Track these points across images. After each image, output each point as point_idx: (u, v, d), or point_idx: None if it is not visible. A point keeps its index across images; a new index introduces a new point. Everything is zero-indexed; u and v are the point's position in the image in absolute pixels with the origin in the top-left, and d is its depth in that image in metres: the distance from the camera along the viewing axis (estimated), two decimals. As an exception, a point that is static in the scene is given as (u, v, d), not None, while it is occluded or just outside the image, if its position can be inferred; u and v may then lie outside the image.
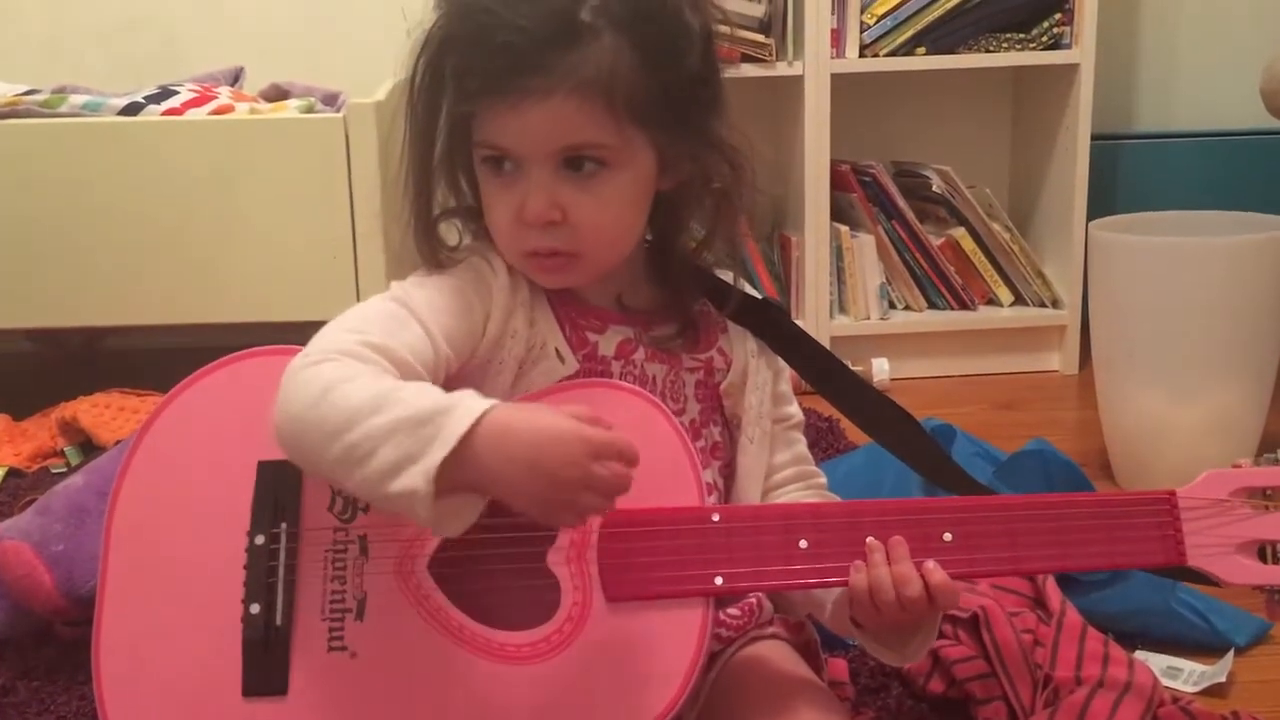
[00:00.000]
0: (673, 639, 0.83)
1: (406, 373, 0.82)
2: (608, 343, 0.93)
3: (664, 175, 0.90)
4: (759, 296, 1.00)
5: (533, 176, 0.86)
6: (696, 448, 0.89)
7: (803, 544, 0.86)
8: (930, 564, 0.84)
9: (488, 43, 0.82)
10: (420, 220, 0.92)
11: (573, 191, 0.86)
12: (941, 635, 1.17)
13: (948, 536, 0.86)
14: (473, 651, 0.83)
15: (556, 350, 0.91)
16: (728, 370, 0.97)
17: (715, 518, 0.86)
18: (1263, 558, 0.88)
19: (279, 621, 0.83)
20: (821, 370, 1.03)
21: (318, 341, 0.83)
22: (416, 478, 0.73)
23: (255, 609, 0.84)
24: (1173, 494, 0.88)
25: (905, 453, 1.05)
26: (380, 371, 0.80)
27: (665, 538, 0.85)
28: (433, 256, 0.92)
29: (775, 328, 1.00)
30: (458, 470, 0.74)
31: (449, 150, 0.90)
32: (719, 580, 0.84)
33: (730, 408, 0.98)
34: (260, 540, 0.85)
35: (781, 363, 1.01)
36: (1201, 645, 1.23)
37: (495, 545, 0.84)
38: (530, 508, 0.77)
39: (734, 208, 0.93)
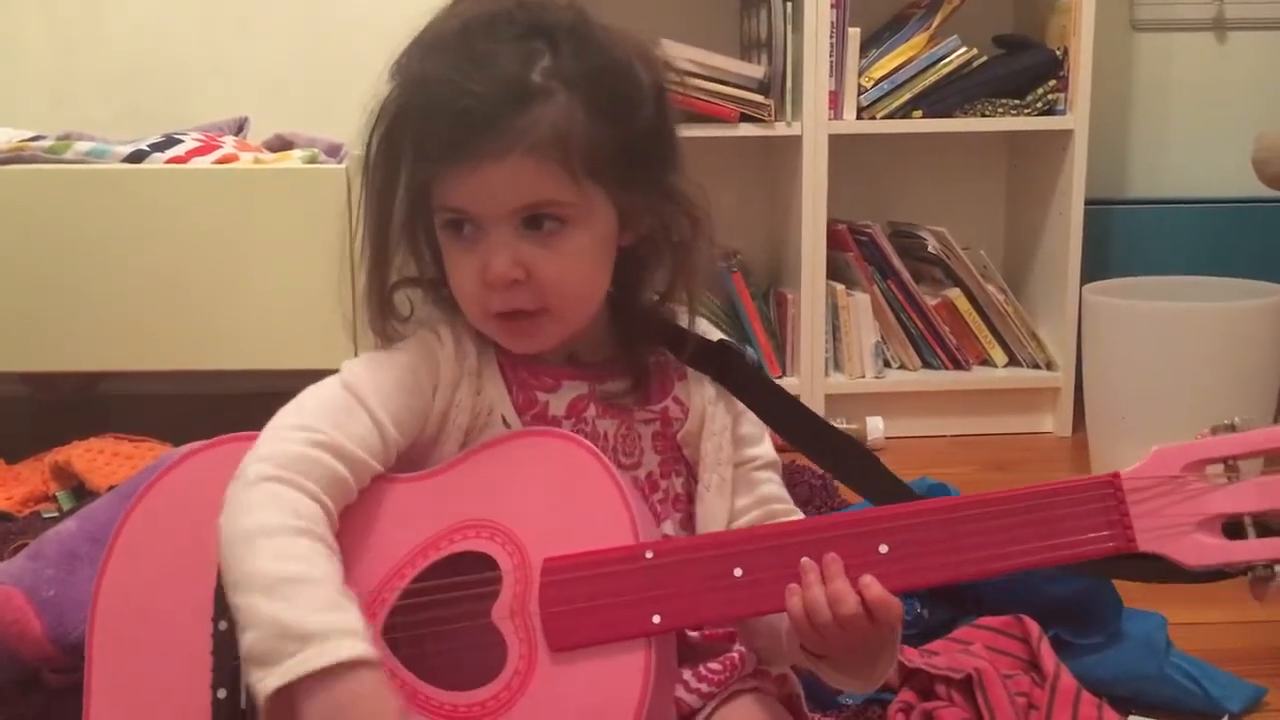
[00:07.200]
0: (617, 683, 0.81)
1: (354, 467, 0.84)
2: (559, 401, 0.93)
3: (625, 230, 0.91)
4: (714, 339, 0.99)
5: (493, 237, 0.86)
6: (654, 500, 0.89)
7: (738, 572, 0.83)
8: (866, 579, 0.81)
9: (445, 110, 0.84)
10: (375, 290, 0.93)
11: (535, 249, 0.86)
12: (935, 697, 1.17)
13: (883, 548, 0.82)
14: (425, 713, 0.82)
15: (503, 417, 0.91)
16: (685, 418, 0.96)
17: (649, 554, 0.83)
18: (1229, 534, 0.79)
19: (244, 704, 0.83)
20: (776, 411, 1.00)
21: (267, 445, 0.84)
22: (256, 679, 0.75)
23: (222, 694, 0.84)
24: (1116, 475, 0.81)
25: (869, 490, 1.03)
26: (304, 531, 0.80)
27: (602, 581, 0.83)
28: (382, 326, 0.93)
29: (730, 371, 0.98)
30: (291, 697, 0.74)
31: (409, 218, 0.91)
32: (657, 619, 0.82)
33: (689, 455, 0.97)
34: (224, 626, 0.84)
35: (741, 405, 0.99)
36: (1195, 711, 1.23)
37: (441, 606, 0.84)
38: None
39: (693, 260, 0.93)
